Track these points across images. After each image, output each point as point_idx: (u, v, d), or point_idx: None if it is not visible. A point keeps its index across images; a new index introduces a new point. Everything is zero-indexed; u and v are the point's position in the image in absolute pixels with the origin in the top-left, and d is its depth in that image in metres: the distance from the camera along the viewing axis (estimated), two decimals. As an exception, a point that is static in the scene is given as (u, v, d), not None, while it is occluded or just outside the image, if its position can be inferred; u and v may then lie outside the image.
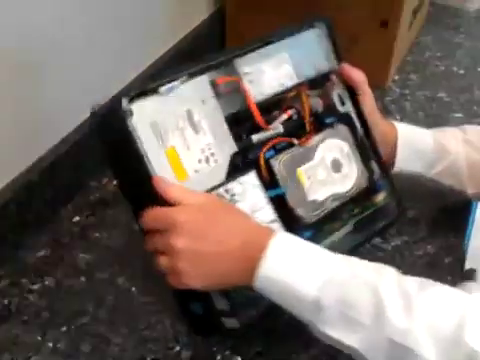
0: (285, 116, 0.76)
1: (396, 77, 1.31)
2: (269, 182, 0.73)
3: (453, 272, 0.88)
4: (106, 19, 0.98)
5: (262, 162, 0.73)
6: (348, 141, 0.81)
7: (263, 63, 0.74)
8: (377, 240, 0.90)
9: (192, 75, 0.69)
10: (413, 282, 0.62)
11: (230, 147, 0.71)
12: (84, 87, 0.95)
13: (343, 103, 0.81)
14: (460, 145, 0.89)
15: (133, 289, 0.82)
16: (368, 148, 0.82)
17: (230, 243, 0.64)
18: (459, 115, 1.21)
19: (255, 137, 0.73)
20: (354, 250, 0.77)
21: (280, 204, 0.73)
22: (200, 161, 0.68)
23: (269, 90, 0.74)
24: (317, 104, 0.79)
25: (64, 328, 0.78)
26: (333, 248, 0.67)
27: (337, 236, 0.78)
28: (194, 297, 0.69)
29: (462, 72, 1.34)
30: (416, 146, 0.87)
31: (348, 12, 1.18)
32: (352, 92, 0.82)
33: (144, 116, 0.65)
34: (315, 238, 0.74)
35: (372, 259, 0.65)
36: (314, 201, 0.76)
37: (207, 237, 0.64)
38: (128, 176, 0.69)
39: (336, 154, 0.79)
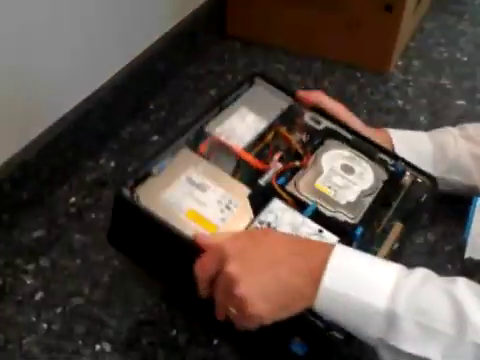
0: (276, 157, 0.78)
1: (399, 63, 1.29)
2: (296, 205, 0.73)
3: (453, 260, 0.87)
4: (106, 1, 0.96)
5: (279, 189, 0.74)
6: (344, 148, 0.83)
7: (229, 121, 0.80)
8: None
9: (174, 151, 0.73)
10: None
11: (243, 190, 0.73)
12: (82, 68, 0.94)
13: (319, 122, 0.84)
14: (460, 141, 0.88)
15: (129, 271, 0.81)
16: (367, 146, 0.83)
17: (279, 255, 0.62)
18: (462, 102, 1.20)
19: (262, 181, 0.75)
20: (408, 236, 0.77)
21: (319, 218, 0.73)
22: (222, 211, 0.70)
23: (248, 138, 0.79)
24: (298, 135, 0.84)
25: (59, 309, 0.77)
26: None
27: (385, 223, 0.77)
28: (292, 331, 0.65)
29: (465, 59, 1.33)
30: (415, 148, 0.87)
31: (352, -5, 1.17)
32: (320, 110, 0.85)
33: (151, 197, 0.68)
34: (366, 233, 0.74)
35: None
36: (349, 203, 0.76)
37: (256, 253, 0.62)
38: (163, 256, 0.69)
39: (341, 160, 0.81)
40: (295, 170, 0.77)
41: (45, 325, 0.75)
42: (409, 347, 0.57)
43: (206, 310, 0.65)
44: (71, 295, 0.79)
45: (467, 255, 0.93)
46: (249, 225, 0.69)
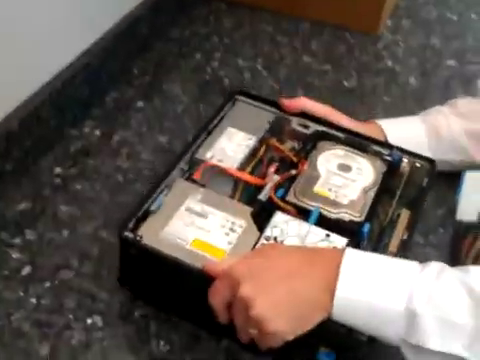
0: (272, 170, 0.78)
1: (388, 23, 1.26)
2: (299, 214, 0.72)
3: (445, 224, 0.87)
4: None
5: (279, 202, 0.73)
6: (337, 147, 0.82)
7: (218, 143, 0.80)
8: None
9: (169, 185, 0.74)
10: None
11: (245, 209, 0.73)
12: (63, 32, 0.91)
13: (307, 127, 0.84)
14: (452, 120, 0.88)
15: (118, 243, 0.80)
16: (359, 141, 0.83)
17: (290, 268, 0.61)
18: (452, 62, 1.18)
19: (262, 196, 0.75)
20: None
21: (324, 222, 0.72)
22: (227, 234, 0.70)
23: (240, 157, 0.79)
24: (290, 143, 0.84)
25: (47, 284, 0.75)
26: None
27: (393, 212, 0.77)
28: (316, 341, 0.64)
29: (455, 18, 1.31)
30: (408, 134, 0.87)
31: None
32: (306, 115, 0.85)
33: (154, 234, 0.69)
34: (375, 228, 0.73)
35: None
36: (351, 201, 0.75)
37: (266, 270, 0.61)
38: (177, 292, 0.69)
39: (337, 160, 0.80)
40: (293, 179, 0.77)
41: (34, 300, 0.73)
42: (432, 344, 0.56)
43: (233, 332, 0.65)
44: (59, 268, 0.77)
45: (458, 218, 0.93)
46: (256, 243, 0.69)
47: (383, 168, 0.80)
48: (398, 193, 0.79)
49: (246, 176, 0.77)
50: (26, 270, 0.76)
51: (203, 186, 0.75)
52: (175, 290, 0.69)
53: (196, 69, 1.11)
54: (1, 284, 0.74)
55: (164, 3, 1.15)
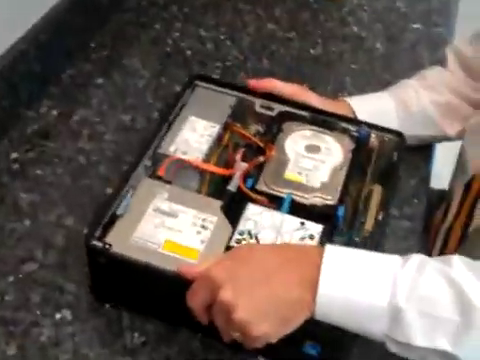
0: (239, 157, 0.75)
1: (352, -14, 1.23)
2: (271, 203, 0.70)
3: (418, 194, 0.86)
4: None
5: (249, 192, 0.71)
6: (304, 128, 0.80)
7: (180, 135, 0.77)
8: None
9: (134, 184, 0.71)
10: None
11: (214, 204, 0.70)
12: (13, 3, 0.85)
13: (271, 109, 0.82)
14: (421, 93, 0.87)
15: (84, 230, 0.76)
16: (326, 119, 0.81)
17: (269, 269, 0.59)
18: (417, 26, 1.16)
19: (231, 186, 0.72)
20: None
21: (298, 209, 0.70)
22: (199, 232, 0.67)
23: (204, 146, 0.76)
24: (254, 127, 0.82)
25: (11, 278, 0.72)
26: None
27: (365, 189, 0.75)
28: (301, 336, 0.63)
29: (419, -21, 1.28)
30: (378, 111, 0.86)
31: None
32: (271, 95, 0.82)
33: (123, 240, 0.66)
34: (349, 209, 0.72)
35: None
36: (323, 184, 0.73)
37: (246, 273, 0.59)
38: (154, 296, 0.67)
39: (304, 141, 0.78)
40: (261, 166, 0.74)
41: (-3, 296, 0.70)
42: (416, 340, 0.55)
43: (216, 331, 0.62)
44: (23, 261, 0.73)
45: (431, 185, 0.93)
46: (230, 239, 0.67)
47: (352, 145, 0.78)
48: (369, 170, 0.77)
49: (212, 167, 0.74)
50: (-13, 264, 0.72)
51: (169, 183, 0.72)
52: (152, 295, 0.67)
53: (156, 41, 1.07)
54: (-39, 281, 0.71)
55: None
